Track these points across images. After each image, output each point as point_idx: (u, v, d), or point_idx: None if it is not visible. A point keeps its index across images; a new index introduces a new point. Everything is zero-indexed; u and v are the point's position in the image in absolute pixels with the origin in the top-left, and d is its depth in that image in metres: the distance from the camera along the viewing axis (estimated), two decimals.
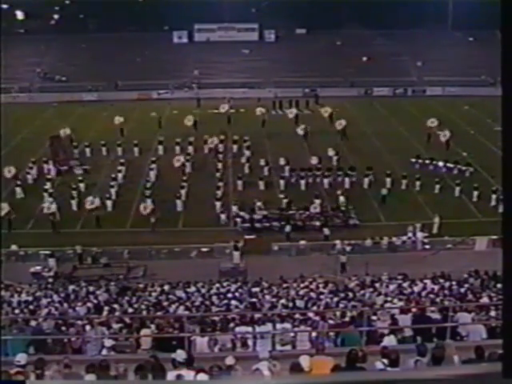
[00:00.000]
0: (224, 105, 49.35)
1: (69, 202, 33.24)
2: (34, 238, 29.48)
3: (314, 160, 37.32)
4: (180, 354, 8.40)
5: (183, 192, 33.76)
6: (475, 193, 32.96)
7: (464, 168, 36.52)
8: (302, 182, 35.53)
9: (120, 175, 36.74)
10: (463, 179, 34.89)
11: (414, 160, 38.14)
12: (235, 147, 41.46)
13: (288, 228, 30.04)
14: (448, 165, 37.12)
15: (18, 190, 34.72)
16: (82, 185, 34.94)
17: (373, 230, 29.99)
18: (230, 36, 69.21)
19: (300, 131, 43.58)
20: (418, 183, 34.67)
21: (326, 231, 29.70)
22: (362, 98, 58.09)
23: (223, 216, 31.79)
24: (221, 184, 34.80)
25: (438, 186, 34.27)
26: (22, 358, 8.24)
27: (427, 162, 37.83)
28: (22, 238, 29.35)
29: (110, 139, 42.53)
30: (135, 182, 36.64)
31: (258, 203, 32.02)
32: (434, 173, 36.45)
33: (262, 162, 37.83)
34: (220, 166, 37.84)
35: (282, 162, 37.35)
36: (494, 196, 31.81)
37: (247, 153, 39.95)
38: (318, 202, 32.01)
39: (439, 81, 60.00)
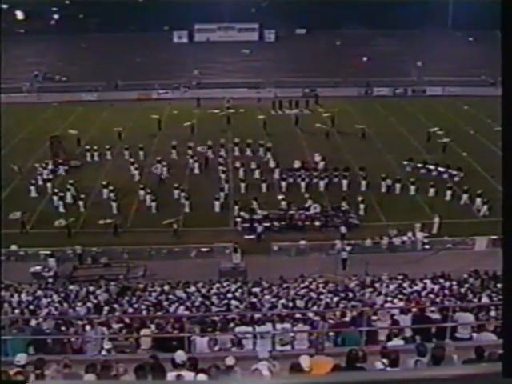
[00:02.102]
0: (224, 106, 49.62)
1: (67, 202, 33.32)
2: (34, 238, 29.50)
3: (297, 163, 37.52)
4: (179, 355, 8.40)
5: (183, 194, 33.68)
6: (464, 196, 32.69)
7: (454, 172, 35.98)
8: (303, 183, 35.39)
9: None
10: (453, 183, 34.56)
11: (406, 162, 37.85)
12: (248, 150, 40.94)
13: (260, 228, 30.01)
14: (439, 169, 36.61)
15: (33, 189, 34.83)
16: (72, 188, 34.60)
17: (373, 230, 30.04)
18: (229, 36, 69.26)
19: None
20: (412, 187, 34.28)
21: (343, 229, 29.77)
22: (362, 97, 58.11)
23: (236, 207, 31.81)
24: (226, 185, 34.69)
25: (432, 190, 33.81)
26: (21, 358, 8.24)
27: (419, 165, 37.33)
28: (22, 238, 29.37)
29: (110, 139, 42.58)
30: (134, 182, 36.58)
31: (283, 202, 32.14)
32: (426, 176, 36.13)
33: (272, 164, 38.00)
34: (225, 168, 37.52)
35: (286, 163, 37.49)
36: (478, 199, 31.71)
37: (268, 155, 39.47)
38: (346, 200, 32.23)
39: (439, 81, 60.03)
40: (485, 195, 31.34)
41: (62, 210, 32.76)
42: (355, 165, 37.60)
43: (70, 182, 34.99)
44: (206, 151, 40.10)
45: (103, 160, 40.50)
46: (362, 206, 32.04)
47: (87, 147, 41.21)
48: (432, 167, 36.90)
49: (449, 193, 33.38)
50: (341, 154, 40.49)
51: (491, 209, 30.39)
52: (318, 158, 38.49)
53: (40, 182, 35.94)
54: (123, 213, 32.31)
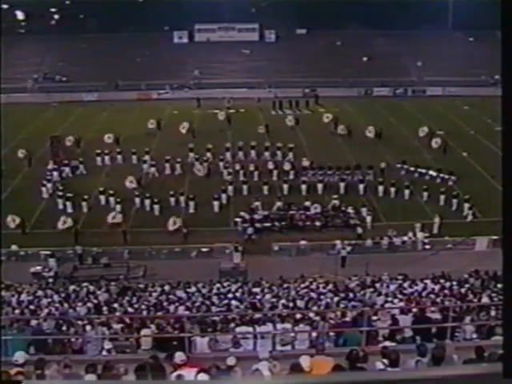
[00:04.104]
0: (222, 112, 49.19)
1: (67, 202, 33.29)
2: (34, 238, 29.49)
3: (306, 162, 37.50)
4: (179, 356, 8.41)
5: (184, 195, 33.56)
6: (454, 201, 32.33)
7: (447, 177, 35.43)
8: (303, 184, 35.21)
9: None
10: (447, 187, 33.98)
11: (399, 165, 37.48)
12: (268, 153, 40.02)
13: (250, 230, 30.01)
14: (431, 173, 36.08)
15: (44, 189, 34.81)
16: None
17: (373, 230, 30.03)
18: (230, 36, 69.24)
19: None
20: (407, 191, 34.07)
21: (359, 230, 29.80)
22: (362, 98, 58.07)
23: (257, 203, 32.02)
24: (230, 187, 34.62)
25: (426, 194, 33.46)
26: (19, 357, 8.22)
27: (412, 168, 36.71)
28: (22, 238, 29.37)
29: (109, 139, 42.58)
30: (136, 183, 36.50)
31: (307, 203, 32.09)
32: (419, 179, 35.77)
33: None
34: (230, 170, 37.24)
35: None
36: (466, 204, 31.53)
37: (290, 155, 39.18)
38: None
39: (439, 81, 59.99)
40: (484, 196, 31.31)
41: (66, 211, 32.66)
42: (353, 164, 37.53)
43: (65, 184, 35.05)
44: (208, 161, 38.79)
45: (103, 161, 40.29)
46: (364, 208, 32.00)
47: (98, 151, 40.26)
48: (424, 171, 36.41)
49: (442, 197, 32.82)
50: (342, 154, 40.45)
51: (485, 211, 30.21)
52: (306, 162, 37.80)
53: (44, 182, 35.62)
54: (125, 214, 32.37)
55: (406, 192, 34.08)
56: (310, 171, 36.49)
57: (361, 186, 34.79)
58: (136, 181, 35.27)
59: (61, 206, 33.16)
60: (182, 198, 33.41)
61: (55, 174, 37.03)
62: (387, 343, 11.25)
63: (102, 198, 33.82)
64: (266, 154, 39.66)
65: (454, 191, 33.17)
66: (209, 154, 39.23)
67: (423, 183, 34.73)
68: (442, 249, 28.31)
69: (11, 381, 6.17)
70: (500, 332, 11.92)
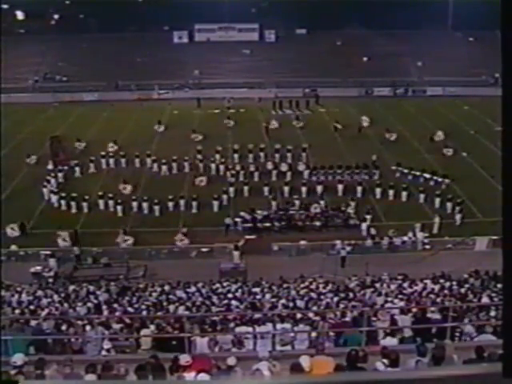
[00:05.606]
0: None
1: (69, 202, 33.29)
2: (34, 238, 29.48)
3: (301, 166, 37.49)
4: (184, 358, 8.42)
5: (184, 198, 33.48)
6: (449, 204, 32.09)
7: (440, 179, 35.21)
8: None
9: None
10: (441, 190, 33.75)
11: (394, 168, 37.25)
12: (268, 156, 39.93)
13: (227, 220, 30.40)
14: (425, 175, 35.77)
15: (45, 190, 34.68)
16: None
17: (372, 230, 30.04)
18: (230, 36, 69.24)
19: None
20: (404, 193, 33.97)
21: (372, 231, 29.75)
22: (362, 98, 58.05)
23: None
24: (231, 189, 34.57)
25: (422, 196, 33.35)
26: (18, 358, 8.22)
27: (406, 171, 36.47)
28: (22, 238, 29.36)
29: (110, 140, 42.53)
30: (135, 182, 36.56)
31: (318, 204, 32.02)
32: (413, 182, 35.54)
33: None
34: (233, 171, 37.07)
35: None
36: (458, 208, 31.44)
37: (304, 155, 39.09)
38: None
39: (439, 81, 59.97)
40: (484, 196, 31.27)
41: (66, 210, 32.67)
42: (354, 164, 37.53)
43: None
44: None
45: (103, 163, 40.21)
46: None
47: (102, 154, 39.95)
48: (418, 173, 36.09)
49: (438, 200, 32.68)
50: (343, 154, 40.48)
51: (485, 211, 30.15)
52: (302, 166, 37.68)
53: (44, 183, 35.45)
54: (124, 212, 32.35)
55: (404, 194, 33.93)
56: (321, 171, 36.62)
57: (359, 188, 34.65)
58: (126, 184, 35.35)
59: (63, 207, 33.17)
60: (181, 202, 33.19)
61: (60, 174, 36.98)
62: (388, 339, 11.29)
63: (102, 199, 33.73)
64: (277, 155, 39.45)
65: (449, 194, 33.06)
66: (217, 156, 39.15)
67: (418, 185, 34.61)
68: (442, 249, 28.33)
69: (11, 381, 6.17)
70: (490, 331, 11.95)
